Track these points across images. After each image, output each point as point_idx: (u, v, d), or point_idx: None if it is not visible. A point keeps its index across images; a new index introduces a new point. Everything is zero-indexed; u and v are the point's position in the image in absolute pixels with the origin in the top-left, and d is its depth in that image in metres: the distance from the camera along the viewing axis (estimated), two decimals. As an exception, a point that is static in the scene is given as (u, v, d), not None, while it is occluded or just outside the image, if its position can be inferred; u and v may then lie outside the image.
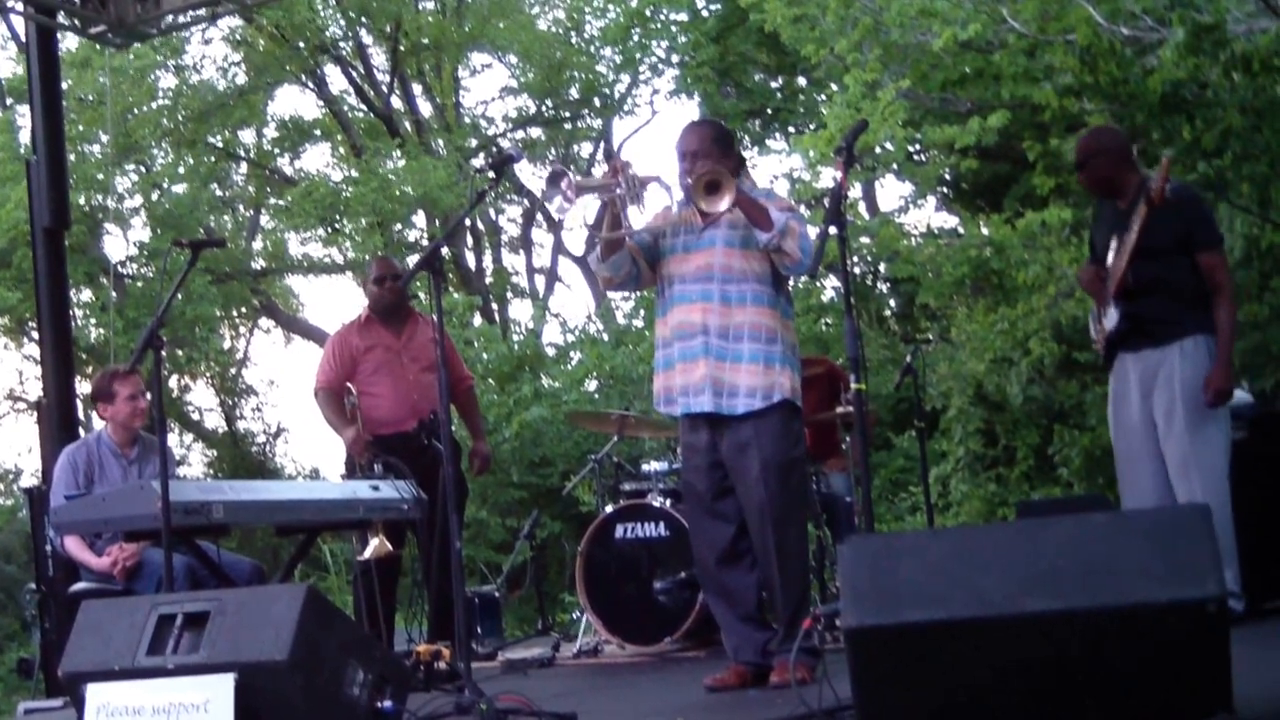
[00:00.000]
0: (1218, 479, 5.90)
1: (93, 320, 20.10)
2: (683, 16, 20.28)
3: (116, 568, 6.89)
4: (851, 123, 9.42)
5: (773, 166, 32.05)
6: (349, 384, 7.65)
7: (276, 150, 23.50)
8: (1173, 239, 5.95)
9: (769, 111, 20.27)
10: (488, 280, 23.25)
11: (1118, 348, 6.17)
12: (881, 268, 16.45)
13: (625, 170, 5.70)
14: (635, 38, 20.86)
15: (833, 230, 5.00)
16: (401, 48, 22.04)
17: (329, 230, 21.91)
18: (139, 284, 20.69)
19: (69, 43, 17.15)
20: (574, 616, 9.09)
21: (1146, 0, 9.98)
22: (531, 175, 23.58)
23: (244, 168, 23.48)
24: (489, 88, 47.20)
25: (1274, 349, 9.58)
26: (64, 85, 11.92)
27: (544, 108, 23.09)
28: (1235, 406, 7.01)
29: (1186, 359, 5.94)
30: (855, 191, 17.02)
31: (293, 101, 50.91)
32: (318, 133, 23.50)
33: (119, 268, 20.35)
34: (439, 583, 7.09)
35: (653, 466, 8.55)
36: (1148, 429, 6.05)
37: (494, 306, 22.70)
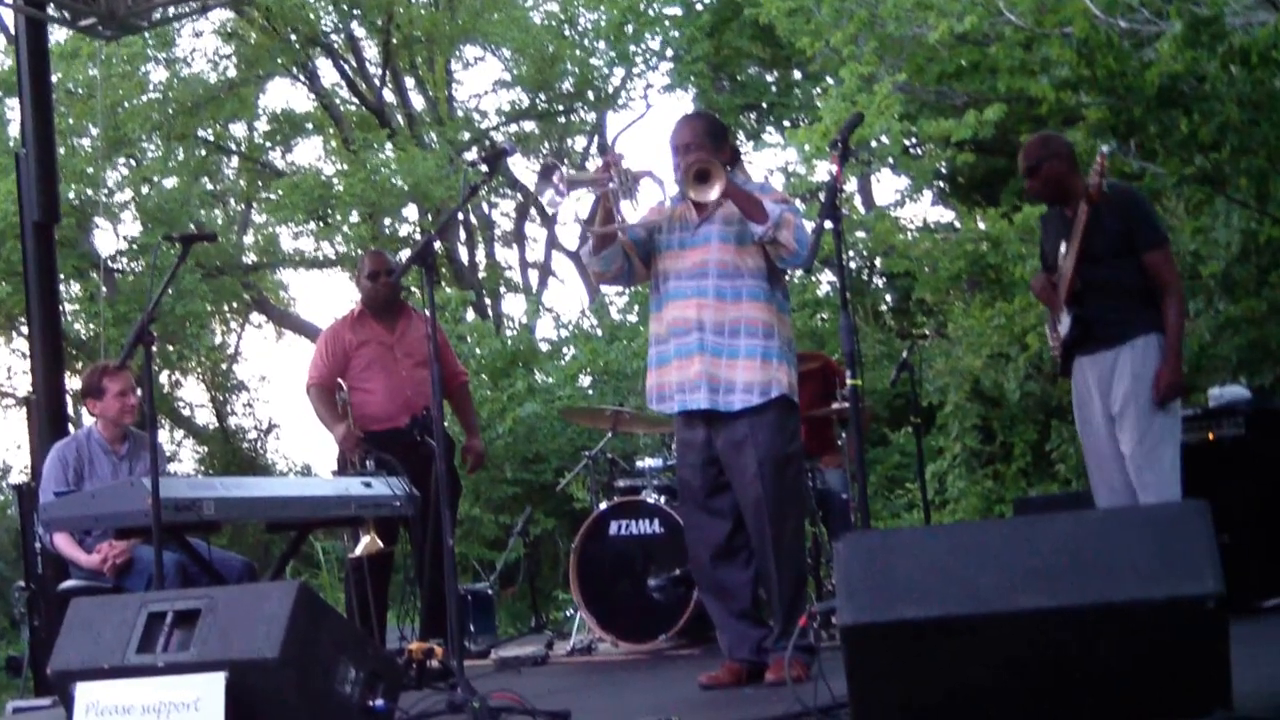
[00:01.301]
0: (1169, 475, 5.91)
1: (83, 315, 20.10)
2: (677, 10, 20.26)
3: (106, 565, 6.88)
4: (847, 116, 9.41)
5: (768, 160, 32.22)
6: (340, 380, 7.65)
7: (268, 144, 23.44)
8: (1116, 240, 5.98)
9: (764, 105, 20.27)
10: (481, 275, 23.24)
11: (1074, 352, 6.19)
12: (877, 262, 16.47)
13: (618, 164, 5.70)
14: (629, 31, 20.83)
15: (828, 224, 5.00)
16: (394, 40, 22.00)
17: (320, 224, 21.88)
18: (129, 279, 20.66)
19: (58, 35, 17.10)
20: (567, 614, 9.11)
21: (1144, -8, 9.99)
22: (525, 169, 23.59)
23: (235, 161, 23.44)
24: (482, 81, 47.21)
25: (1272, 344, 9.59)
26: (54, 78, 11.87)
27: (537, 101, 23.05)
28: (1233, 402, 7.04)
29: (1137, 357, 5.96)
30: (851, 185, 17.00)
31: (284, 94, 50.78)
32: (309, 126, 23.44)
33: (109, 262, 20.31)
34: (431, 580, 7.11)
35: (647, 463, 8.56)
36: (1110, 428, 6.07)
37: (487, 302, 22.68)
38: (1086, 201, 5.84)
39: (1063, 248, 6.09)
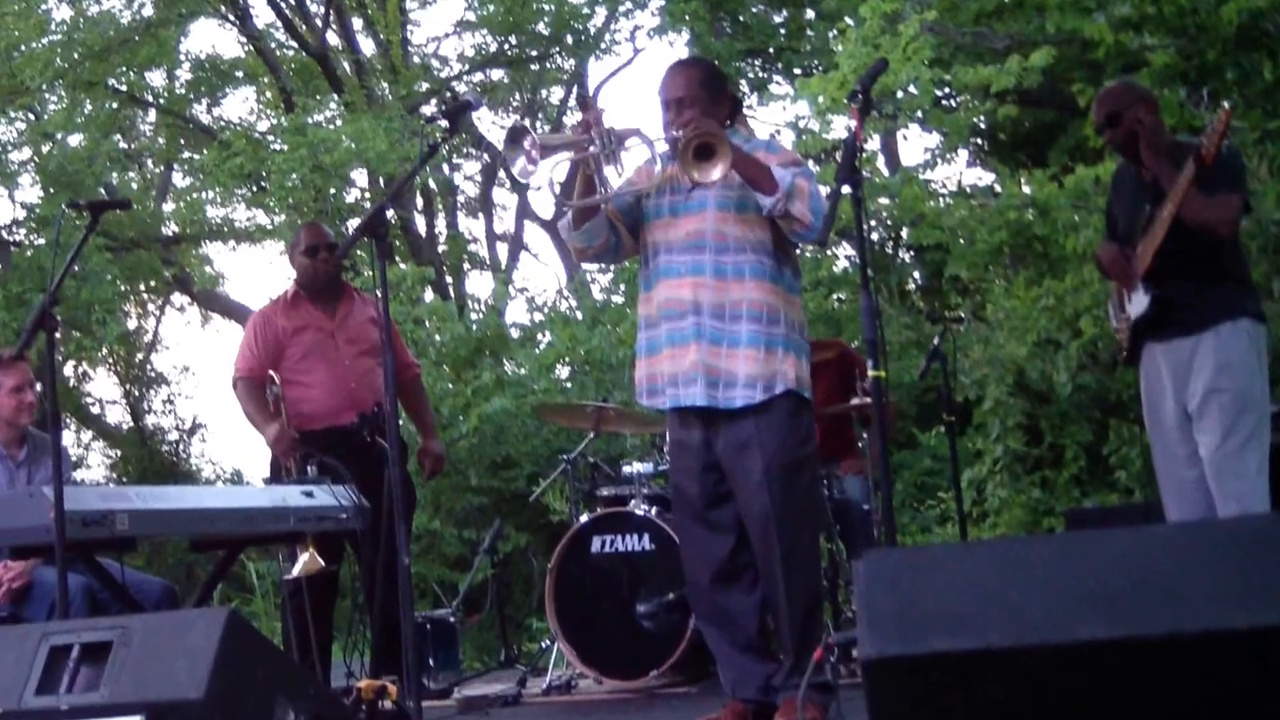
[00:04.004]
0: (1255, 483, 5.92)
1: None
2: (669, -62, 20.25)
3: (0, 590, 6.87)
4: (868, 63, 9.40)
5: (775, 115, 32.13)
6: (273, 372, 7.64)
7: (191, 95, 23.36)
8: None
9: (770, 51, 20.23)
10: (440, 249, 23.21)
11: (1145, 337, 6.18)
12: (904, 233, 16.44)
13: (599, 123, 5.68)
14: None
15: (846, 190, 5.00)
16: (339, -27, 22.01)
17: (253, 190, 21.82)
18: (27, 253, 20.59)
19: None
20: (543, 645, 9.09)
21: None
22: (492, 125, 23.57)
23: (153, 115, 23.37)
24: (442, 22, 47.19)
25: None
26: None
27: (507, 46, 23.02)
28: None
29: (1221, 344, 5.95)
30: (873, 144, 17.00)
31: (210, 38, 50.79)
32: (240, 75, 23.38)
33: (3, 234, 20.25)
34: (383, 606, 7.09)
35: (635, 468, 8.56)
36: (1185, 426, 6.06)
37: (448, 280, 22.66)
38: (1196, 163, 5.78)
39: (1144, 213, 6.07)
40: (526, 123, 5.98)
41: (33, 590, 6.91)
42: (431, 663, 8.92)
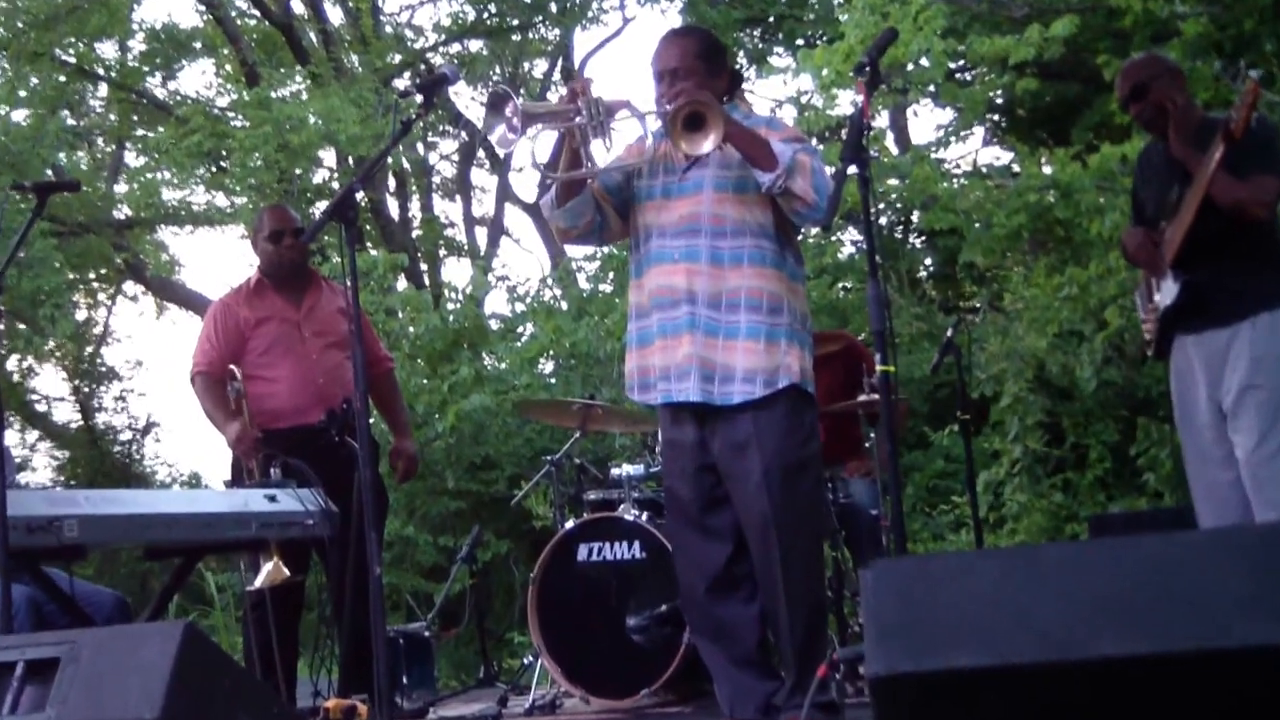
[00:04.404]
0: None
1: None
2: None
3: (-61, 602, 6.86)
4: (876, 33, 9.41)
5: (776, 90, 32.15)
6: (234, 367, 7.63)
7: (145, 68, 23.34)
8: None
9: (770, 19, 20.24)
10: (415, 233, 23.23)
11: (1175, 328, 6.17)
12: (914, 217, 16.47)
13: (587, 93, 5.68)
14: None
15: (852, 170, 4.99)
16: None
17: (212, 170, 21.79)
18: (-34, 239, 20.61)
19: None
20: (525, 662, 9.09)
21: None
22: (470, 100, 23.57)
23: (103, 90, 23.34)
24: (416, -12, 47.11)
25: None
26: None
27: (486, 15, 23.03)
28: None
29: (1259, 336, 5.94)
30: (881, 121, 17.01)
31: (166, 5, 50.76)
32: (198, 46, 23.36)
33: (-59, 219, 20.23)
34: (353, 619, 7.08)
35: (625, 470, 8.55)
36: (1220, 425, 6.06)
37: (423, 267, 22.67)
38: (1225, 139, 5.77)
39: (1172, 195, 6.07)
40: (509, 89, 6.00)
41: (-27, 603, 6.90)
42: (405, 681, 8.92)
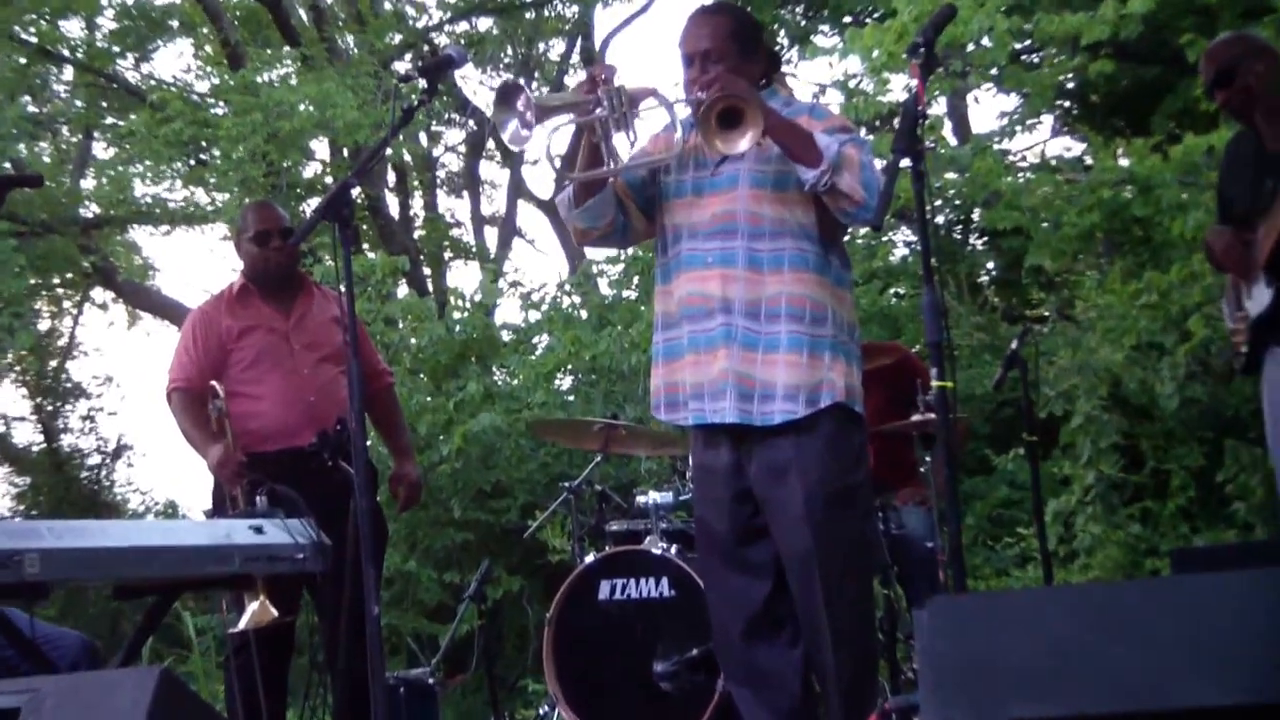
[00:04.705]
0: None
1: None
2: None
3: (-112, 645, 6.89)
4: (932, 9, 9.41)
5: (819, 73, 32.13)
6: (215, 383, 7.64)
7: (116, 48, 23.41)
8: None
9: (814, -5, 20.31)
10: (418, 234, 23.27)
11: (1267, 340, 6.16)
12: (975, 215, 16.48)
13: (609, 82, 5.68)
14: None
15: (905, 163, 5.00)
16: (293, -97, 22.07)
17: (191, 163, 21.84)
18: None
19: None
20: (540, 712, 9.11)
21: None
22: (479, 85, 23.61)
23: (69, 73, 23.42)
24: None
25: None
26: None
27: (497, -10, 23.13)
28: None
29: None
30: (938, 108, 17.02)
31: (139, -20, 50.84)
32: (175, 24, 23.42)
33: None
34: (349, 664, 7.09)
35: (651, 498, 8.56)
36: None
37: (426, 271, 22.71)
38: None
39: (1265, 188, 6.06)
40: (521, 81, 6.00)
41: (-74, 646, 6.92)
42: (406, 732, 8.95)
